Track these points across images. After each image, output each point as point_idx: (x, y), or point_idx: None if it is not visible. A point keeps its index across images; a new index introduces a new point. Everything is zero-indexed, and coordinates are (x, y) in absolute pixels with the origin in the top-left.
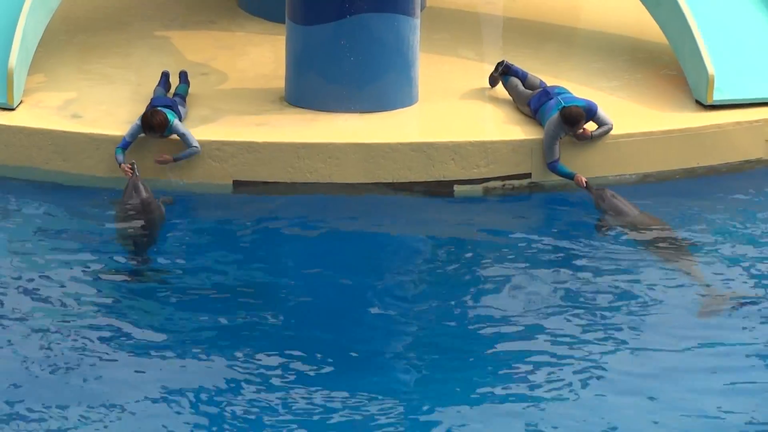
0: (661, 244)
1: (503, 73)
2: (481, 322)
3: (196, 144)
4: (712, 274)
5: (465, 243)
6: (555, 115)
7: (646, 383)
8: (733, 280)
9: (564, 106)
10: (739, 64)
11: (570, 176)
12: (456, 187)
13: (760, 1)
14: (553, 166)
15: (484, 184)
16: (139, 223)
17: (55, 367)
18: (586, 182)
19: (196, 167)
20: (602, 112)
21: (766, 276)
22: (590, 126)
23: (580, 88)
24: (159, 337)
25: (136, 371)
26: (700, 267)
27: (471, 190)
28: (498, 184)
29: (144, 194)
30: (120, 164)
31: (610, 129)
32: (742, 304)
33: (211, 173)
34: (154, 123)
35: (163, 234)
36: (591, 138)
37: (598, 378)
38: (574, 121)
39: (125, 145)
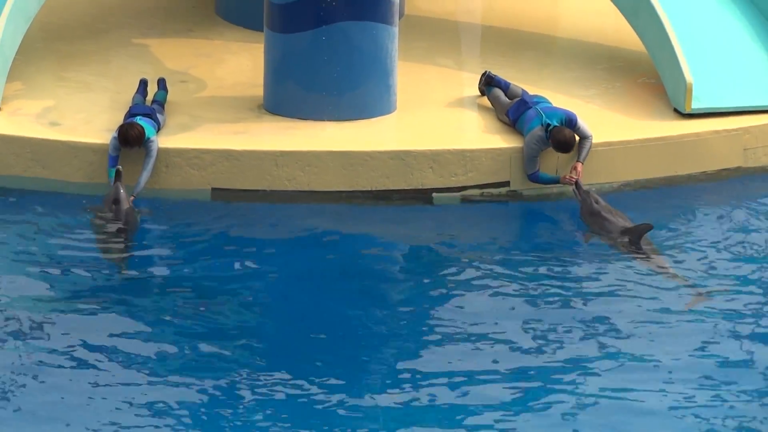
0: (640, 251)
1: (486, 83)
2: (460, 328)
3: (149, 169)
4: (691, 278)
5: (443, 251)
6: (537, 129)
7: (630, 388)
8: (709, 284)
9: (554, 129)
10: (717, 73)
11: (555, 181)
12: (434, 195)
13: (738, 10)
14: (534, 177)
15: (463, 192)
16: (116, 232)
17: (30, 377)
18: (575, 180)
19: (174, 175)
20: (582, 122)
21: (743, 278)
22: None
23: (558, 96)
24: (136, 346)
25: (119, 382)
26: (680, 272)
27: (449, 198)
28: (476, 192)
29: (124, 204)
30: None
31: (591, 143)
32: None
33: (189, 181)
34: (131, 137)
35: (140, 242)
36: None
37: (582, 384)
38: (566, 147)
39: (115, 162)
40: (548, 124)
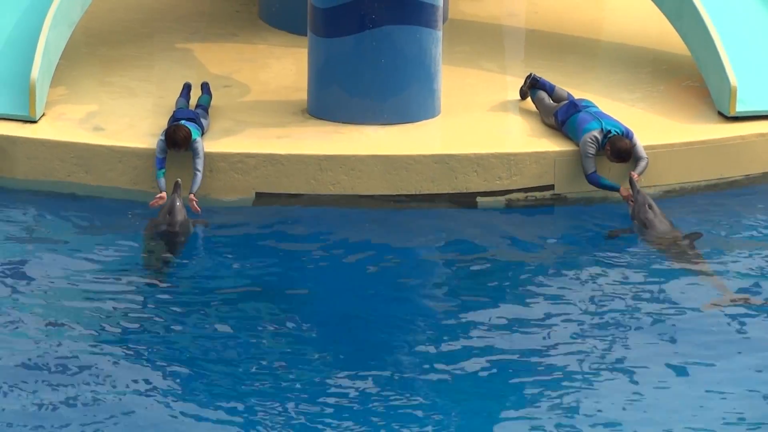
0: (684, 257)
1: (531, 86)
2: (505, 331)
3: (201, 168)
4: (734, 286)
5: (488, 255)
6: (595, 132)
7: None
8: (751, 290)
9: (615, 136)
10: (761, 76)
11: (614, 188)
12: (479, 199)
13: None
14: (593, 178)
15: (507, 196)
16: (167, 242)
17: (81, 375)
18: (630, 177)
19: (218, 179)
20: (637, 140)
21: None
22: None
23: (602, 100)
24: (178, 349)
25: (165, 381)
26: (723, 281)
27: (494, 202)
28: (521, 195)
29: (179, 215)
30: (160, 191)
31: (647, 163)
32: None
33: (233, 185)
34: (179, 138)
35: (186, 249)
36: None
37: (626, 388)
38: (625, 156)
39: (162, 164)
40: (609, 131)
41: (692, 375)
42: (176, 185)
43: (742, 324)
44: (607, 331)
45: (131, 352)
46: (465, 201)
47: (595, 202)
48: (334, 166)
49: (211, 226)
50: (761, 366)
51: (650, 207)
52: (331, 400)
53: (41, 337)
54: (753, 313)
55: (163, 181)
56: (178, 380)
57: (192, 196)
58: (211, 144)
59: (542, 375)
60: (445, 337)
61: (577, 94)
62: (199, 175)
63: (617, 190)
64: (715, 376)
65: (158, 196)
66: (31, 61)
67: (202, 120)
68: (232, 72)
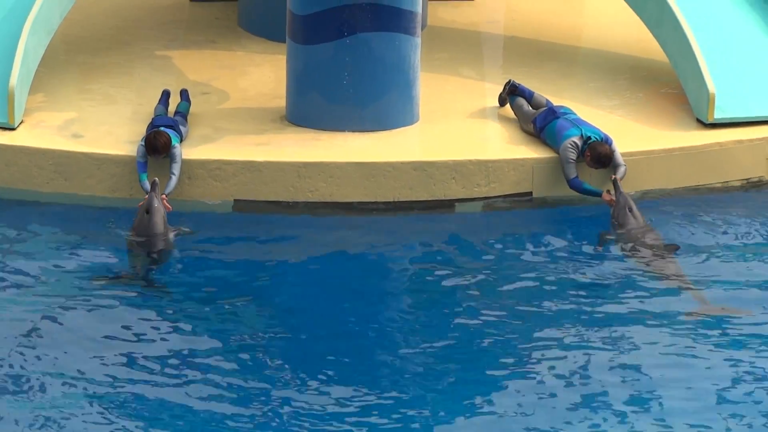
0: (662, 267)
1: (510, 92)
2: (483, 337)
3: (177, 172)
4: (710, 293)
5: (466, 261)
6: (575, 138)
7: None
8: (728, 298)
9: (595, 142)
10: (739, 83)
11: (597, 193)
12: (457, 206)
13: (762, 19)
14: (575, 183)
15: (486, 203)
16: (146, 243)
17: (55, 382)
18: (614, 179)
19: (196, 186)
20: (616, 147)
21: (761, 296)
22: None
23: (581, 107)
24: (158, 356)
25: (144, 388)
26: (701, 291)
27: (472, 209)
28: (499, 202)
29: (158, 213)
30: (146, 192)
31: (626, 170)
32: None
33: (211, 192)
34: (159, 144)
35: (166, 256)
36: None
37: (598, 393)
38: (604, 161)
39: (145, 168)
40: (589, 137)
41: (662, 385)
42: (153, 184)
43: (719, 335)
44: (584, 339)
45: (112, 360)
46: (443, 208)
47: (574, 208)
48: (312, 174)
49: (191, 233)
50: (733, 378)
51: (630, 210)
52: (307, 405)
53: (18, 343)
54: (729, 325)
55: (147, 183)
56: (153, 385)
57: (163, 195)
58: (189, 151)
59: (518, 378)
60: (423, 344)
61: (556, 101)
62: (174, 178)
63: (599, 195)
64: (682, 392)
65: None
66: (10, 68)
67: (181, 127)
68: (211, 79)
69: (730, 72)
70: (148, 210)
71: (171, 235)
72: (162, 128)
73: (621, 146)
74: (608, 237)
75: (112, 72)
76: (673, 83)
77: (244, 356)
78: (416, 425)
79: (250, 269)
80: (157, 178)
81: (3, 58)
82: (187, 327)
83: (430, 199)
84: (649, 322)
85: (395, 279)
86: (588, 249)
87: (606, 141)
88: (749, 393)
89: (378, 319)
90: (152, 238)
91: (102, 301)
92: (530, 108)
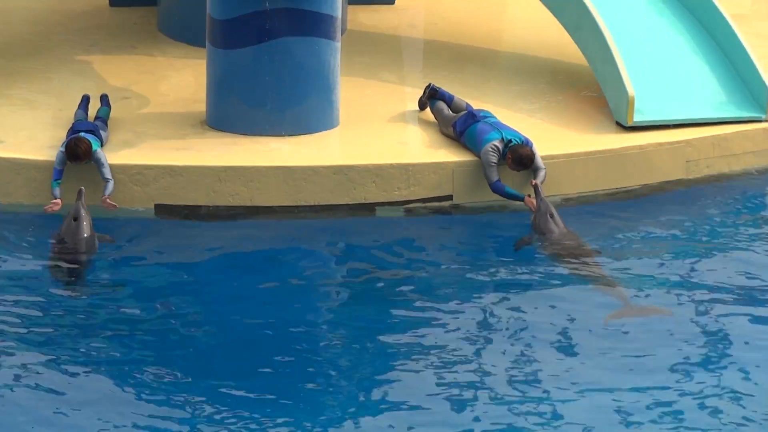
0: (581, 264)
1: (430, 96)
2: (405, 343)
3: (109, 176)
4: (630, 292)
5: (386, 264)
6: (496, 142)
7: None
8: (648, 296)
9: (516, 145)
10: (658, 86)
11: (519, 197)
12: (378, 210)
13: (680, 24)
14: (497, 187)
15: (406, 206)
16: (72, 250)
17: None
18: (535, 184)
19: (117, 191)
20: (536, 150)
21: (681, 294)
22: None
23: (501, 110)
24: (86, 366)
25: (80, 402)
26: (621, 287)
27: (392, 212)
28: (420, 206)
29: (84, 223)
30: (54, 198)
31: (546, 174)
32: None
33: (132, 197)
34: (80, 151)
35: (91, 261)
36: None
37: (528, 401)
38: (526, 163)
39: (59, 175)
40: (509, 140)
41: (586, 388)
42: (80, 193)
43: (642, 335)
44: (507, 343)
45: (36, 366)
46: (364, 212)
47: (494, 212)
48: (233, 178)
49: (113, 241)
50: (657, 381)
51: (551, 216)
52: (228, 406)
53: None
54: (652, 324)
55: (58, 190)
56: (79, 392)
57: (106, 197)
58: (110, 156)
59: (442, 387)
60: (356, 345)
61: (476, 105)
62: (111, 182)
63: (521, 199)
64: (606, 395)
65: (53, 201)
66: None
67: (101, 132)
68: (131, 84)
69: (649, 75)
70: (76, 217)
71: (96, 242)
72: (82, 133)
73: (541, 149)
74: (529, 242)
75: (32, 77)
76: (592, 86)
77: (161, 362)
78: (308, 425)
79: (171, 275)
80: (83, 188)
81: None
82: (106, 332)
83: (350, 203)
84: (570, 327)
85: (314, 284)
86: (507, 254)
87: (526, 144)
88: (668, 387)
89: (299, 322)
90: (78, 245)
91: (22, 308)
92: (450, 112)
